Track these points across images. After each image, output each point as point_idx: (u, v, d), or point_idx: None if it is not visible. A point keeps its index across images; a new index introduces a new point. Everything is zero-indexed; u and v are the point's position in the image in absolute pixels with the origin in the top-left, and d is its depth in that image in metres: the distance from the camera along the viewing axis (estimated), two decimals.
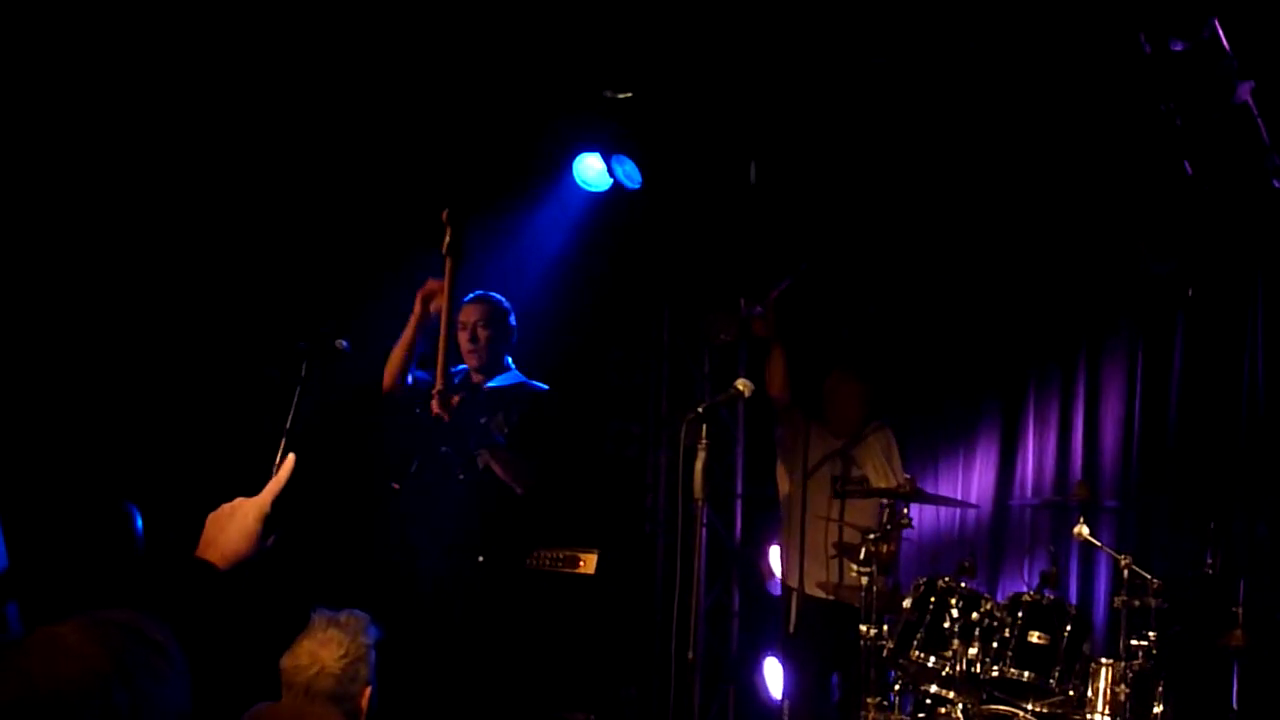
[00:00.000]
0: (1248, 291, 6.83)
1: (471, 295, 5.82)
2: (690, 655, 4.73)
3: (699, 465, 4.67)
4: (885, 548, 5.83)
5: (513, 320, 5.92)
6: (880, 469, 6.55)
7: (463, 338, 5.76)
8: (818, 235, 7.83)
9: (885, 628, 5.77)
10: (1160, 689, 5.26)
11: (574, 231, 7.76)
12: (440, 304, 5.48)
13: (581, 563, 6.52)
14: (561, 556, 6.52)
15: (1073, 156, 7.04)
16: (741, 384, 4.95)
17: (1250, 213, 6.58)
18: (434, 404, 5.44)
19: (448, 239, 5.47)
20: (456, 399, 5.47)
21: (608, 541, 6.73)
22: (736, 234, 7.93)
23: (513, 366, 5.91)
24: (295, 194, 6.80)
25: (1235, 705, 5.57)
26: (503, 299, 5.90)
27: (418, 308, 5.63)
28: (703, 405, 4.80)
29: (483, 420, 5.57)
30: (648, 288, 8.14)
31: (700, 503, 4.73)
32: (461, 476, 5.59)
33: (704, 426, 4.70)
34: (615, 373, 8.19)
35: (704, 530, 4.50)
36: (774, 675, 7.85)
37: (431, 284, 5.55)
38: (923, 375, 8.04)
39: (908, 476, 6.22)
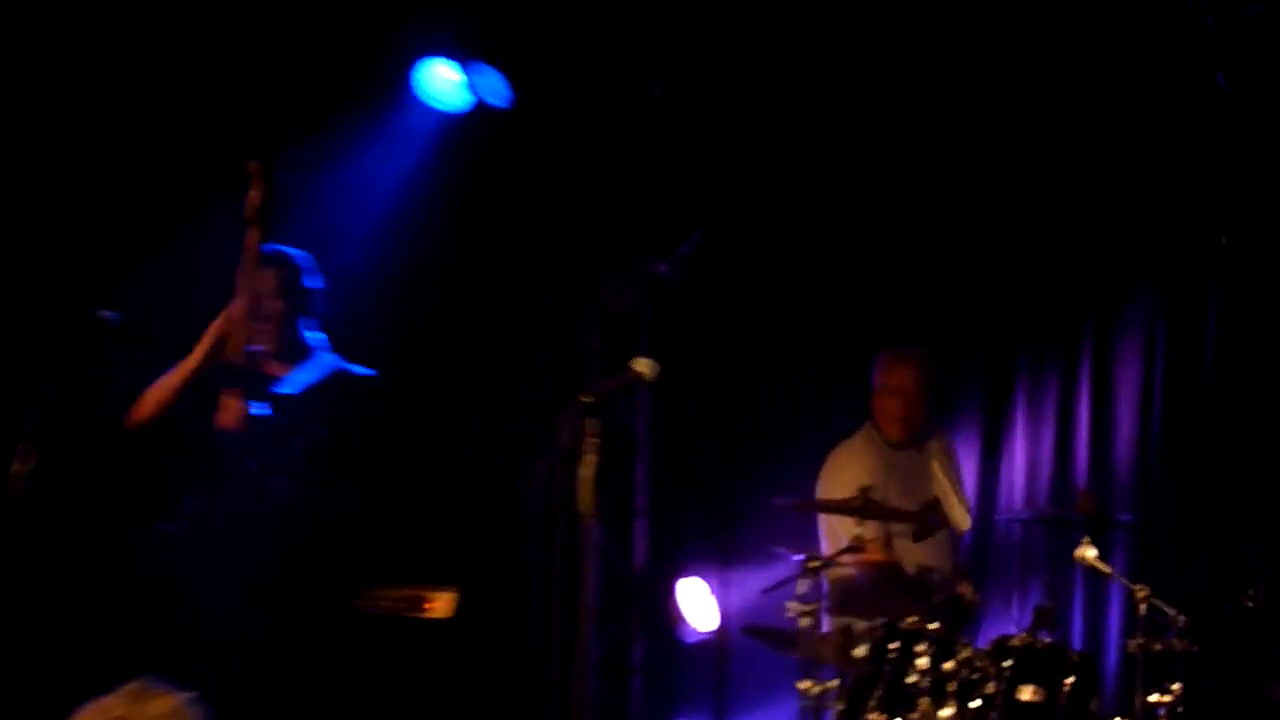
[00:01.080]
0: None
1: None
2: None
3: (585, 472, 4.60)
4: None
5: (317, 282, 5.74)
6: (950, 489, 6.53)
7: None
8: (742, 171, 7.80)
9: (834, 682, 5.76)
10: None
11: (418, 167, 7.66)
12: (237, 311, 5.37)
13: (432, 604, 6.42)
14: (405, 597, 6.42)
15: (1072, 70, 7.07)
16: (642, 364, 4.87)
17: None
18: (221, 414, 5.32)
19: (254, 200, 5.32)
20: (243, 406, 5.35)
21: (468, 575, 6.64)
22: (636, 171, 7.88)
23: (322, 347, 5.77)
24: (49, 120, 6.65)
25: None
26: (300, 254, 5.71)
27: (207, 340, 5.42)
28: (591, 393, 4.72)
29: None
30: (519, 241, 8.05)
31: (589, 521, 4.65)
32: (263, 504, 5.51)
33: (593, 421, 4.63)
34: (477, 354, 8.10)
35: (595, 557, 4.41)
36: None
37: (231, 313, 5.38)
38: (881, 351, 8.04)
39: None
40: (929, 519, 6.01)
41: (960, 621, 5.92)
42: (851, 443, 6.73)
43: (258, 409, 5.37)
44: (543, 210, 7.99)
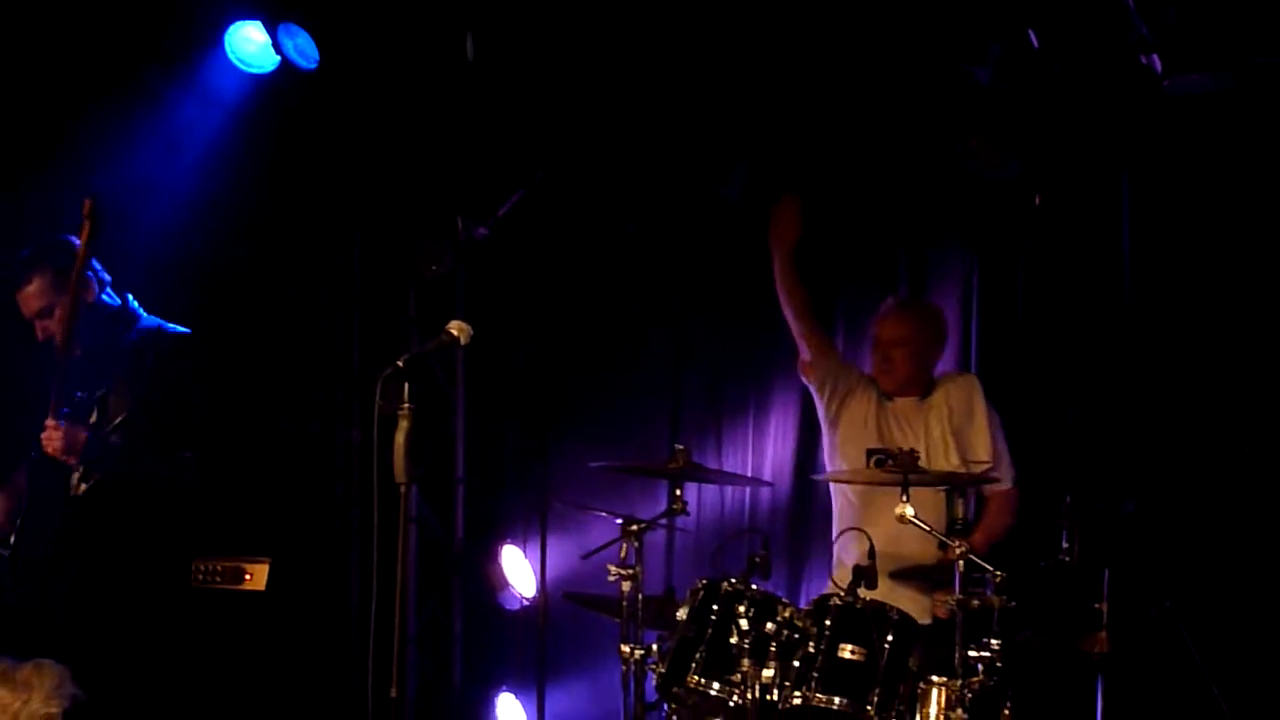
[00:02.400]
0: (1111, 197, 7.02)
1: None
2: (394, 692, 4.62)
3: (401, 438, 4.56)
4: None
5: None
6: (942, 441, 6.50)
7: None
8: (559, 132, 7.77)
9: (655, 646, 5.76)
10: (1006, 711, 5.36)
11: (227, 129, 7.54)
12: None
13: (248, 576, 6.35)
14: (220, 569, 6.34)
15: (887, 26, 7.12)
16: (457, 328, 4.85)
17: (1113, 97, 6.77)
18: (46, 443, 5.65)
19: (84, 237, 5.72)
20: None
21: (283, 547, 6.57)
22: (450, 132, 7.82)
23: (128, 315, 5.85)
24: None
25: None
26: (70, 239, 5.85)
27: None
28: (406, 358, 4.68)
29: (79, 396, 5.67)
30: (331, 204, 7.96)
31: (405, 489, 4.62)
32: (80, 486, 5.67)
33: (408, 386, 4.60)
34: (289, 320, 8.01)
35: (413, 526, 4.39)
36: (510, 715, 7.83)
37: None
38: (700, 313, 8.07)
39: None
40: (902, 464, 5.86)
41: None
42: (859, 395, 6.69)
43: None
44: (357, 173, 7.91)
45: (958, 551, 5.43)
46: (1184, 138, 6.79)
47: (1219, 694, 5.93)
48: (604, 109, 7.71)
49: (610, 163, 7.85)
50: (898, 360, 6.53)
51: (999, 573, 5.46)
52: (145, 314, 6.03)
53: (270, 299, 7.90)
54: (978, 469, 6.32)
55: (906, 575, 6.17)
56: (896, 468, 5.62)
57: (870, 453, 6.38)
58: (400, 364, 4.65)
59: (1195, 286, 6.83)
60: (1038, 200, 7.05)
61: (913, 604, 5.92)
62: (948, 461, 6.31)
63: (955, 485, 5.99)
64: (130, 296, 6.03)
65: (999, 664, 5.42)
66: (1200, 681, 5.94)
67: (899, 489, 5.58)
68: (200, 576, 6.32)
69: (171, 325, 5.95)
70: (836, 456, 6.64)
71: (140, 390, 5.83)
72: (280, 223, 7.81)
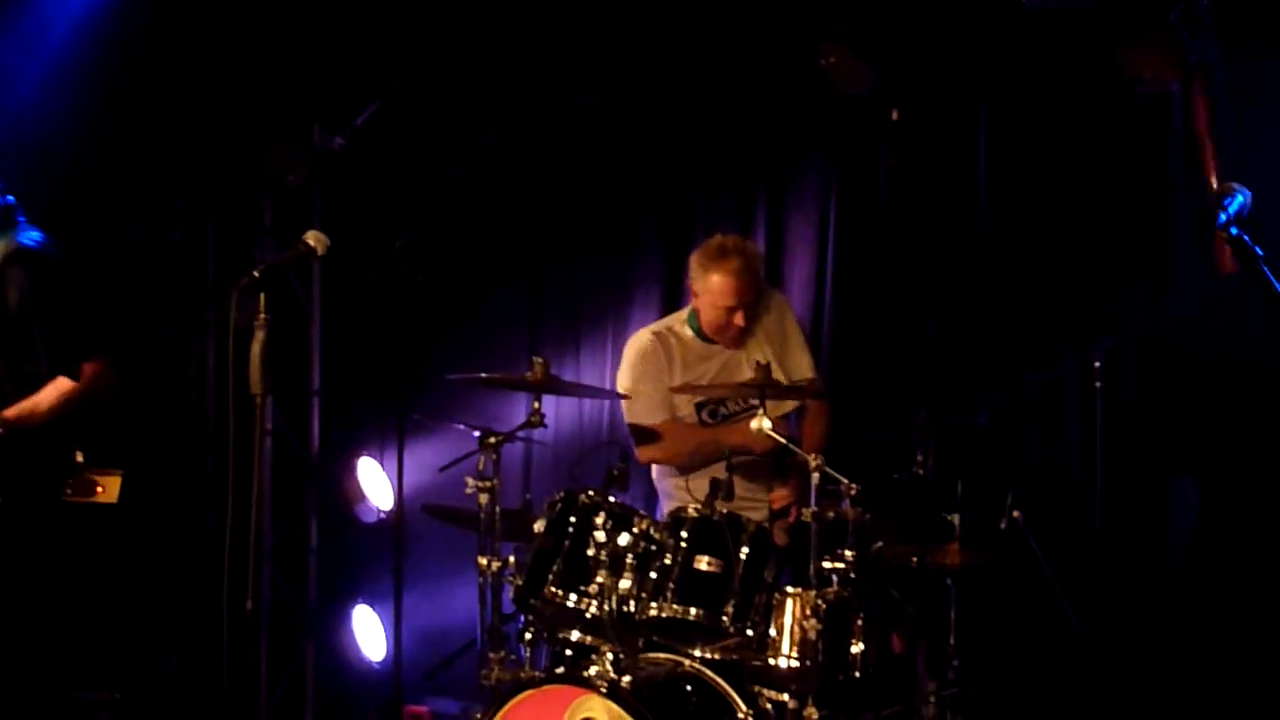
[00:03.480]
0: (967, 115, 7.07)
1: None
2: (249, 605, 4.60)
3: (257, 349, 4.52)
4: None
5: None
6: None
7: None
8: (417, 41, 7.71)
9: (511, 559, 5.78)
10: (860, 622, 5.43)
11: (84, 30, 7.39)
12: None
13: (99, 488, 6.27)
14: (75, 481, 6.26)
15: None
16: (313, 238, 4.80)
17: (972, 11, 6.81)
18: None
19: None
20: None
21: (135, 458, 6.49)
22: (307, 40, 7.73)
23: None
24: None
25: (953, 638, 5.83)
26: None
27: None
28: (261, 268, 4.63)
29: None
30: (187, 110, 7.84)
31: (260, 400, 4.58)
32: None
33: (263, 297, 4.55)
34: (141, 225, 7.88)
35: (268, 439, 4.35)
36: (366, 627, 7.84)
37: None
38: (559, 228, 8.06)
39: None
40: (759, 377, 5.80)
41: None
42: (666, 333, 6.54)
43: None
44: (213, 80, 7.79)
45: (814, 464, 5.48)
46: (1042, 54, 6.85)
47: (1067, 604, 6.04)
48: (462, 17, 7.65)
49: (469, 72, 7.78)
50: (737, 321, 6.33)
51: (854, 485, 5.53)
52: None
53: (123, 203, 7.77)
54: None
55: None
56: (753, 383, 5.67)
57: (700, 406, 6.37)
58: (255, 275, 4.59)
59: (1048, 201, 6.91)
60: (895, 115, 7.09)
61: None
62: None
63: (810, 396, 6.08)
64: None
65: (853, 575, 5.49)
66: (1049, 592, 6.05)
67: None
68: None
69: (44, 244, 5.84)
70: None
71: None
72: (135, 127, 7.67)
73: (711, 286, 6.30)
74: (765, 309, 6.49)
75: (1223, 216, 3.31)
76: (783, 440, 5.64)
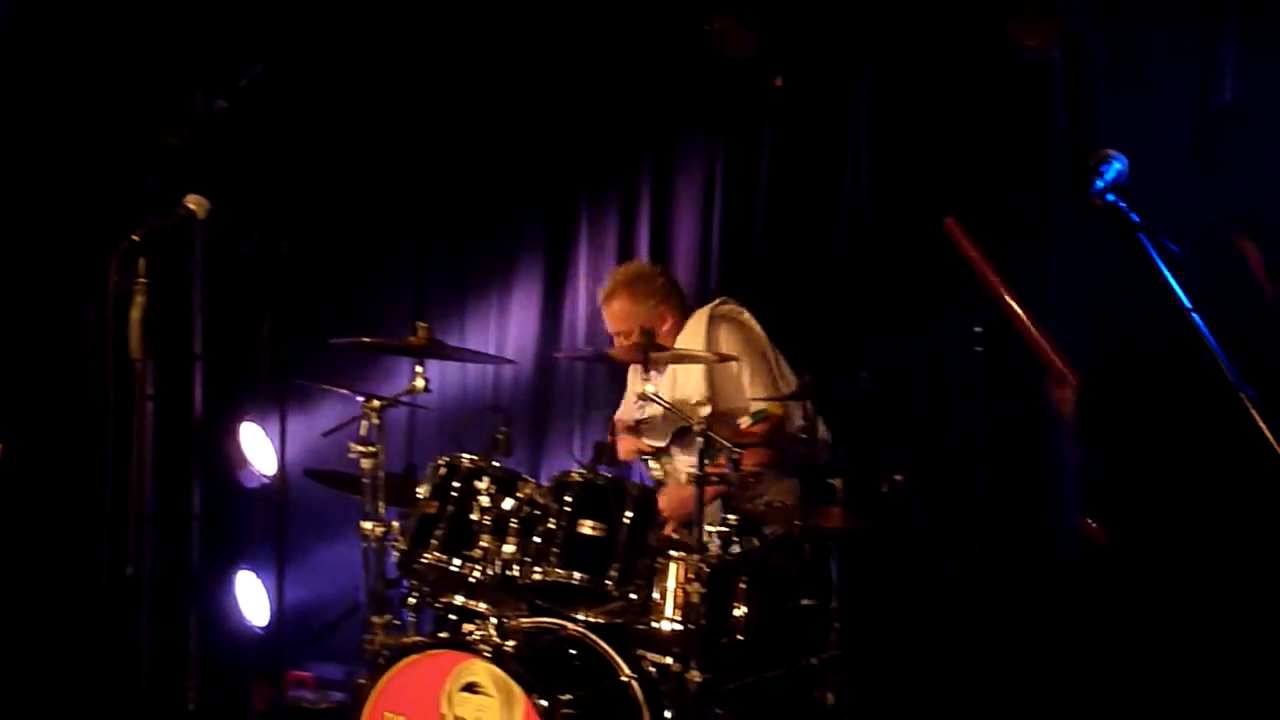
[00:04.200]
0: (850, 81, 7.10)
1: None
2: (130, 570, 4.56)
3: (136, 314, 4.46)
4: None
5: None
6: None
7: None
8: (303, 2, 7.65)
9: (395, 524, 5.75)
10: (742, 585, 5.46)
11: None
12: None
13: None
14: None
15: None
16: (193, 201, 4.75)
17: None
18: None
19: None
20: None
21: (16, 425, 6.43)
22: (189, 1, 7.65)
23: None
24: None
25: (835, 600, 5.86)
26: None
27: None
28: (141, 232, 4.57)
29: None
30: (66, 74, 7.72)
31: (141, 365, 4.52)
32: None
33: (143, 261, 4.49)
34: (22, 191, 7.77)
35: (149, 404, 4.29)
36: (249, 592, 7.79)
37: None
38: (446, 192, 8.03)
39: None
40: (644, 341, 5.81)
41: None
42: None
43: None
44: (93, 42, 7.68)
45: (698, 428, 5.49)
46: (924, 22, 6.89)
47: (947, 567, 6.10)
48: None
49: (356, 35, 7.73)
50: (621, 342, 6.42)
51: (737, 450, 5.55)
52: None
53: (1, 169, 7.66)
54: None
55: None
56: (640, 345, 5.67)
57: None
58: (135, 238, 4.53)
59: (930, 168, 6.95)
60: (779, 81, 7.11)
61: None
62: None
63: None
64: None
65: (735, 539, 5.52)
66: (931, 555, 6.10)
67: None
68: None
69: None
70: None
71: None
72: (12, 92, 7.55)
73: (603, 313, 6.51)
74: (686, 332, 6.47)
75: (1099, 184, 3.33)
76: (664, 404, 5.64)
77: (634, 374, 6.53)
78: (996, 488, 6.38)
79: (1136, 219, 3.30)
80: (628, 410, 6.44)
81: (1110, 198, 3.33)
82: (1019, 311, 4.72)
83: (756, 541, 5.74)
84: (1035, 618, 6.51)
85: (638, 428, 6.32)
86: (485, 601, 5.57)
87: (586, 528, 5.40)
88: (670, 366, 6.36)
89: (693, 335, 6.39)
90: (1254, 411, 3.11)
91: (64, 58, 7.61)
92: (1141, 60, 6.50)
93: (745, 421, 6.14)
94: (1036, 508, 6.70)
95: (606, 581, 5.35)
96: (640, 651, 5.53)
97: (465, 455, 5.60)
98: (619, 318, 6.47)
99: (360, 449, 5.82)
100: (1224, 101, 6.16)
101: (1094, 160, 3.37)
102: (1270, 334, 4.11)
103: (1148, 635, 4.49)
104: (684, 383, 6.36)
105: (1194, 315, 3.21)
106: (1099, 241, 6.27)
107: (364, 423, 5.90)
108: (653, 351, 5.63)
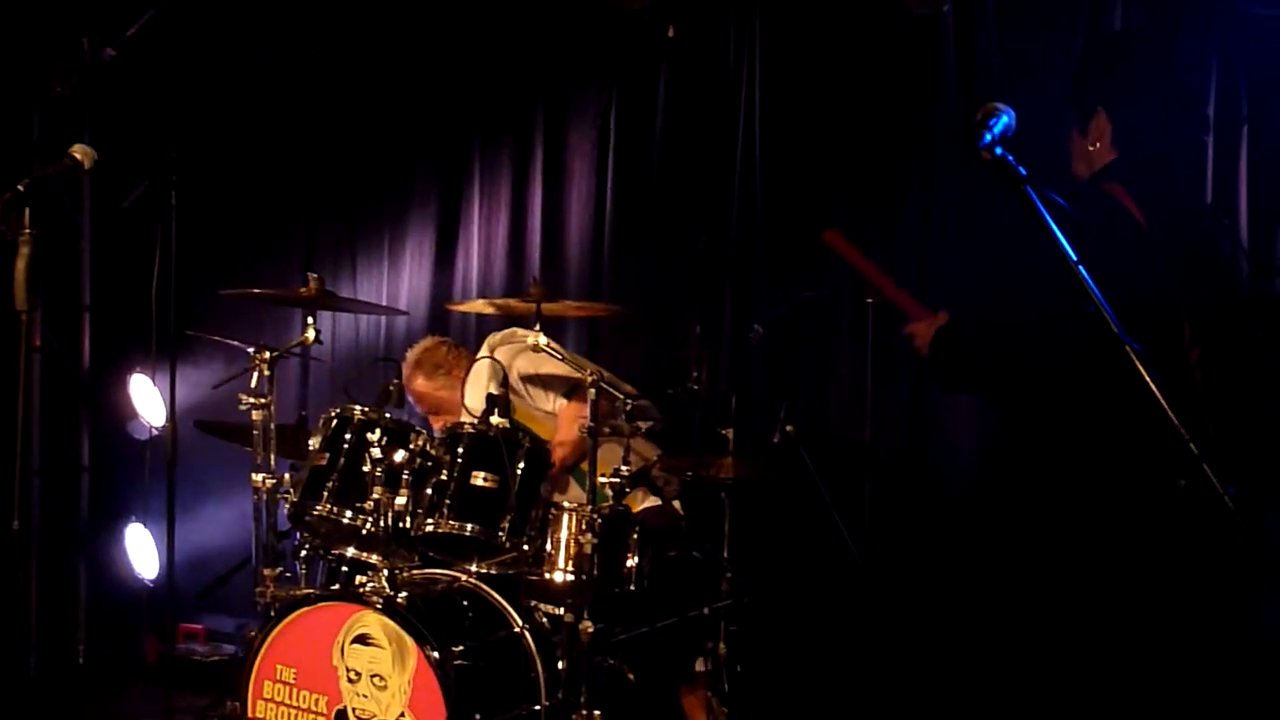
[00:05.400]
0: (744, 45, 7.10)
1: None
2: (16, 524, 4.49)
3: (22, 265, 4.37)
4: None
5: None
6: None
7: None
8: None
9: (287, 475, 5.72)
10: (635, 536, 5.47)
11: None
12: None
13: None
14: None
15: None
16: (80, 151, 4.65)
17: None
18: None
19: None
20: None
21: None
22: None
23: None
24: None
25: (726, 550, 5.89)
26: None
27: None
28: (26, 182, 4.49)
29: None
30: None
31: (27, 317, 4.44)
32: None
33: (29, 211, 4.41)
34: None
35: (37, 355, 4.23)
36: (139, 545, 7.72)
37: None
38: (336, 142, 7.97)
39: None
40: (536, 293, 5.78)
41: None
42: None
43: None
44: None
45: (590, 379, 5.48)
46: None
47: (837, 516, 6.13)
48: None
49: None
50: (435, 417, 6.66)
51: (629, 401, 5.55)
52: None
53: None
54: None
55: None
56: (532, 296, 5.64)
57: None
58: (20, 188, 4.45)
59: (820, 121, 6.97)
60: (671, 31, 7.10)
61: None
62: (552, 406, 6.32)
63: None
64: None
65: (627, 490, 5.53)
66: (821, 504, 6.13)
67: None
68: None
69: None
70: None
71: None
72: None
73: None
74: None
75: (986, 136, 3.34)
76: (557, 355, 5.62)
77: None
78: (884, 436, 6.44)
79: (1024, 172, 3.31)
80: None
81: (999, 151, 3.33)
82: (880, 278, 4.86)
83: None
84: (923, 562, 6.58)
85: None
86: (377, 553, 5.54)
87: (479, 479, 5.37)
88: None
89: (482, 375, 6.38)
90: (1139, 364, 3.13)
91: None
92: (1030, 12, 6.55)
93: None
94: (922, 455, 6.77)
95: (499, 533, 5.34)
96: (533, 602, 5.53)
97: (357, 407, 5.55)
98: (420, 397, 6.69)
99: (251, 400, 5.76)
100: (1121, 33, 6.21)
101: (982, 114, 3.37)
102: (1149, 267, 4.16)
103: (1031, 581, 4.55)
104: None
105: (1080, 268, 3.22)
106: (985, 193, 6.38)
107: (255, 374, 5.84)
108: (544, 304, 5.61)
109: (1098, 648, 4.30)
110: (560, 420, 6.18)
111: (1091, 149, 4.51)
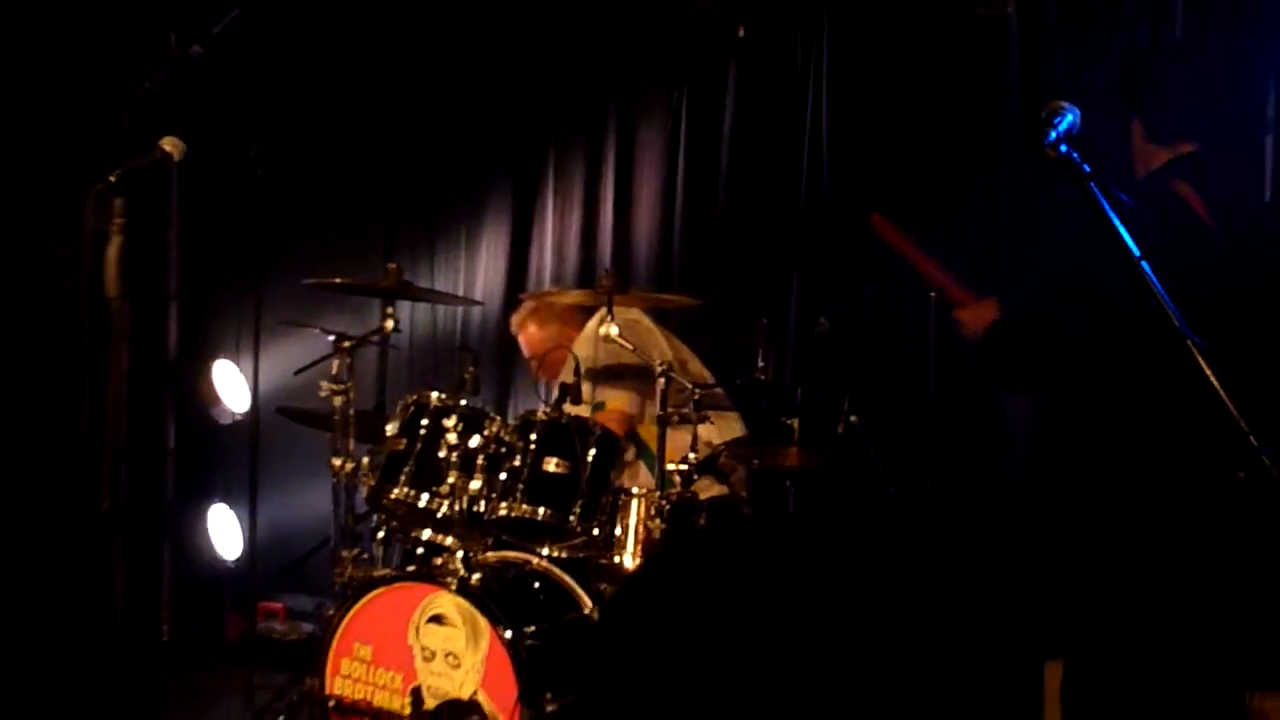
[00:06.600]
0: (811, 45, 7.08)
1: None
2: (105, 505, 4.53)
3: (113, 253, 4.42)
4: None
5: None
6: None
7: None
8: None
9: (366, 460, 5.75)
10: (701, 521, 5.47)
11: None
12: None
13: None
14: None
15: None
16: (169, 143, 4.69)
17: None
18: None
19: None
20: None
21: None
22: None
23: None
24: None
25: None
26: None
27: None
28: (117, 173, 4.52)
29: None
30: (39, 14, 7.63)
31: (117, 304, 4.49)
32: None
33: (120, 202, 4.45)
34: None
35: (125, 342, 4.25)
36: (223, 526, 7.78)
37: None
38: (416, 139, 7.99)
39: None
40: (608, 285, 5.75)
41: None
42: None
43: None
44: None
45: (659, 369, 5.50)
46: None
47: (897, 501, 6.11)
48: None
49: None
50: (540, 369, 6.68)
51: (697, 390, 5.56)
52: None
53: None
54: None
55: None
56: (604, 287, 5.65)
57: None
58: (112, 179, 4.49)
59: (887, 119, 6.94)
60: (741, 31, 7.09)
61: None
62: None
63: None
64: None
65: (695, 476, 5.53)
66: (883, 491, 6.11)
67: None
68: None
69: None
70: None
71: None
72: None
73: None
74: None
75: (1051, 134, 3.32)
76: (628, 346, 5.62)
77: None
78: (949, 429, 6.41)
79: (1088, 169, 3.29)
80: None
81: (1063, 149, 3.31)
82: (925, 262, 4.85)
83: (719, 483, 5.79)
84: (982, 552, 6.54)
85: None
86: (452, 536, 5.57)
87: (551, 465, 5.39)
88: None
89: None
90: (1200, 359, 3.11)
91: (42, 4, 7.53)
92: (1093, 13, 6.50)
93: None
94: (986, 450, 6.73)
95: (570, 517, 5.35)
96: (602, 585, 5.54)
97: (433, 393, 5.59)
98: (529, 342, 6.75)
99: (331, 387, 5.82)
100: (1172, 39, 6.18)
101: (1047, 112, 3.36)
102: (1219, 269, 4.13)
103: (1088, 572, 4.52)
104: None
105: (1144, 264, 3.21)
106: (1047, 192, 6.34)
107: (335, 361, 5.89)
108: (618, 296, 5.61)
109: (1153, 635, 4.27)
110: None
111: (1148, 148, 4.49)
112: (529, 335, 6.70)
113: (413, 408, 5.59)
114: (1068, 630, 4.77)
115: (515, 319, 6.77)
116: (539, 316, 6.70)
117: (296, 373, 6.36)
